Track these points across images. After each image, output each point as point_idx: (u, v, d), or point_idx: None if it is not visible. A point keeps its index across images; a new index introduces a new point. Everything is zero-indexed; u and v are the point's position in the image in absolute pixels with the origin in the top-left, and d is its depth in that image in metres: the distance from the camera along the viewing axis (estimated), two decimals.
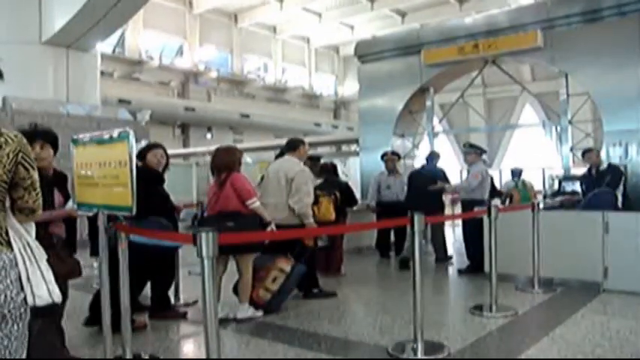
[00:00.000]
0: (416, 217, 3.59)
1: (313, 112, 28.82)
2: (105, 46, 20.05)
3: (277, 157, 5.52)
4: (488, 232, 4.83)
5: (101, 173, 3.13)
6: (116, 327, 3.44)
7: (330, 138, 22.25)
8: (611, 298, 5.15)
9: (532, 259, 5.62)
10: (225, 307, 4.64)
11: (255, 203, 4.61)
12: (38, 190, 1.97)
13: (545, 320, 4.54)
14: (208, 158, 17.80)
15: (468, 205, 6.74)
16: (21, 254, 1.89)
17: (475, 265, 6.63)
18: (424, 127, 11.35)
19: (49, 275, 1.94)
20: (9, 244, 1.87)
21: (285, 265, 4.91)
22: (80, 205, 3.29)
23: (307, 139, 19.34)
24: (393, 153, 7.83)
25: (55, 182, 3.39)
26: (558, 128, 9.86)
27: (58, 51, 10.05)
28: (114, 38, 21.14)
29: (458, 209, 8.44)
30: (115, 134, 2.94)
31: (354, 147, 18.56)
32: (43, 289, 1.90)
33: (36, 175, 1.94)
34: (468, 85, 11.49)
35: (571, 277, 5.73)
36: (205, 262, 2.50)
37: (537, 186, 14.58)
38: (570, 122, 9.55)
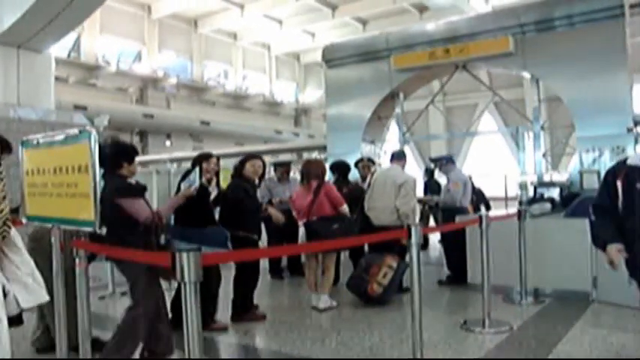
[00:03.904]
0: (413, 229, 3.26)
1: (274, 120, 28.45)
2: (60, 49, 19.20)
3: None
4: (480, 242, 4.53)
5: (56, 181, 2.66)
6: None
7: (294, 145, 21.94)
8: (604, 310, 4.94)
9: (519, 269, 5.37)
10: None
11: (346, 209, 5.43)
12: None
13: (544, 336, 4.26)
14: (169, 166, 17.26)
15: (448, 212, 6.46)
16: None
17: (456, 276, 6.36)
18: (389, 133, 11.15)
19: None
20: None
21: (393, 261, 5.46)
22: (31, 219, 2.81)
23: (269, 147, 18.94)
24: (369, 159, 7.51)
25: None
26: (530, 134, 9.75)
27: (8, 51, 9.36)
28: (69, 42, 20.31)
29: None
30: (73, 133, 2.48)
31: (314, 154, 18.26)
32: None
33: None
34: (439, 90, 11.35)
35: (559, 288, 5.52)
36: (188, 287, 2.04)
37: (500, 193, 14.63)
38: (542, 128, 9.47)
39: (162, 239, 3.46)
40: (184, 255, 2.03)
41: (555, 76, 8.76)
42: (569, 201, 7.13)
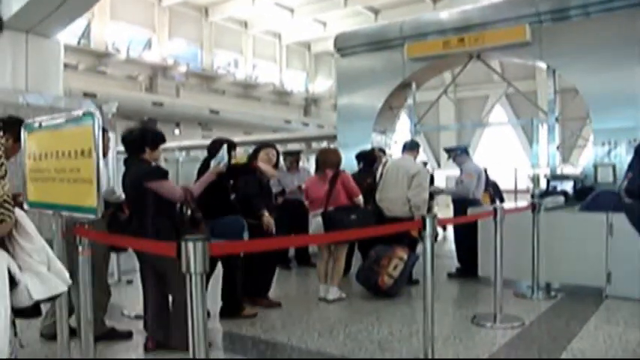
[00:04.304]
0: (428, 220, 3.15)
1: (283, 109, 28.24)
2: (69, 36, 19.13)
3: None
4: (494, 235, 4.42)
5: (59, 165, 2.57)
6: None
7: (303, 134, 21.83)
8: (618, 306, 4.81)
9: (532, 263, 5.25)
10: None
11: (361, 199, 5.36)
12: None
13: (557, 332, 4.15)
14: (177, 154, 17.20)
15: (459, 204, 6.34)
16: None
17: (466, 268, 6.26)
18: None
19: None
20: None
21: (403, 253, 5.38)
22: (32, 205, 2.73)
23: (277, 136, 18.79)
24: (380, 149, 7.39)
25: None
26: (544, 126, 9.56)
27: (17, 36, 9.26)
28: (79, 29, 20.23)
29: None
30: (77, 115, 2.39)
31: (324, 144, 18.14)
32: None
33: None
34: (452, 81, 11.20)
35: (571, 283, 5.40)
36: (193, 279, 1.95)
37: (509, 185, 14.43)
38: (557, 119, 9.28)
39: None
40: (190, 244, 1.92)
41: (572, 66, 8.54)
42: (583, 194, 7.01)
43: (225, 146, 4.02)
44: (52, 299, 1.65)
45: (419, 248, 6.70)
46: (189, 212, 3.72)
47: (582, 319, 4.40)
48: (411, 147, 6.09)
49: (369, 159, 6.71)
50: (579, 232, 5.38)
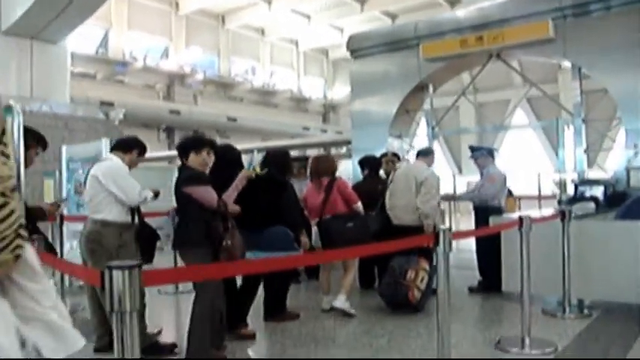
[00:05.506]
0: (441, 234, 2.70)
1: (302, 116, 27.95)
2: (88, 46, 19.13)
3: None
4: (519, 248, 3.92)
5: None
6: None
7: (320, 140, 21.45)
8: None
9: (562, 278, 4.73)
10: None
11: (359, 207, 5.13)
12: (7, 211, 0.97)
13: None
14: None
15: (482, 212, 5.82)
16: None
17: (488, 283, 5.75)
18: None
19: None
20: None
21: (427, 264, 5.09)
22: None
23: (294, 142, 18.38)
24: (393, 154, 6.92)
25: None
26: (569, 128, 8.98)
27: (21, 42, 9.06)
28: (97, 38, 20.24)
29: None
30: None
31: (343, 149, 17.75)
32: None
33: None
34: (471, 81, 10.67)
35: (606, 300, 4.87)
36: (125, 319, 1.43)
37: (532, 191, 13.78)
38: (584, 121, 8.71)
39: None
40: (117, 273, 1.41)
41: (599, 64, 7.97)
42: (616, 201, 6.47)
43: (256, 154, 3.96)
44: None
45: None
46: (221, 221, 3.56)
47: (625, 344, 3.86)
48: (424, 154, 5.85)
49: (374, 165, 6.40)
50: (615, 242, 4.83)
